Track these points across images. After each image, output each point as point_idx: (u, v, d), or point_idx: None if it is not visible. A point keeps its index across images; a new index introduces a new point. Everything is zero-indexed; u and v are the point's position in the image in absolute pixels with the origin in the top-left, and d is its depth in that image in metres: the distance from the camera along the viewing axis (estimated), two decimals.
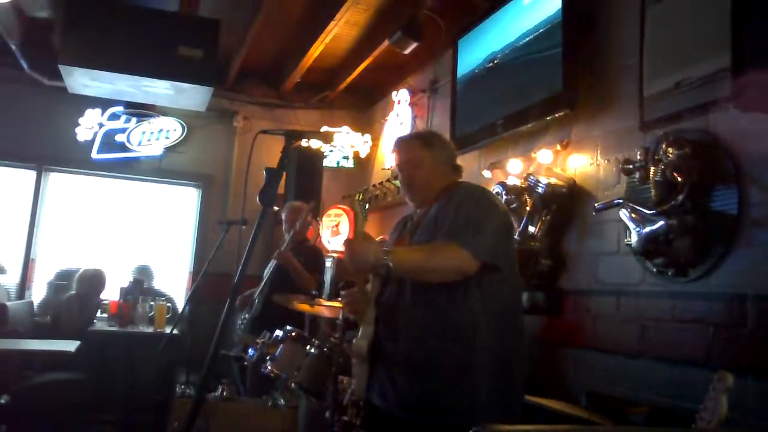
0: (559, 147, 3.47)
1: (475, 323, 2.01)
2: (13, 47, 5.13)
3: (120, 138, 6.12)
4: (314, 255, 4.40)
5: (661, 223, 2.59)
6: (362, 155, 6.35)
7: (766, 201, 2.31)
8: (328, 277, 5.37)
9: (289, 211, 4.36)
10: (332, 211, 6.20)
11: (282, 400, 3.32)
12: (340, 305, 2.65)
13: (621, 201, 2.83)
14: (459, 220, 2.04)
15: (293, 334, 3.25)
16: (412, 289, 2.10)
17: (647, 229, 2.67)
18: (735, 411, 1.87)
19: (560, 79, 3.33)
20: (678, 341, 2.59)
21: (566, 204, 3.34)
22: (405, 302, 2.11)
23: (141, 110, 6.06)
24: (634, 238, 2.77)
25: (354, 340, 2.17)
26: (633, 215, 2.76)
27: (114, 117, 6.12)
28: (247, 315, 4.30)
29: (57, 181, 6.19)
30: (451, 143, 2.45)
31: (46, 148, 5.94)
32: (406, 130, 5.48)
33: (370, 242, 2.02)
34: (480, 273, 2.01)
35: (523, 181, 3.51)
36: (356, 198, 2.07)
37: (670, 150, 2.59)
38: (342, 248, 2.00)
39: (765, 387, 2.20)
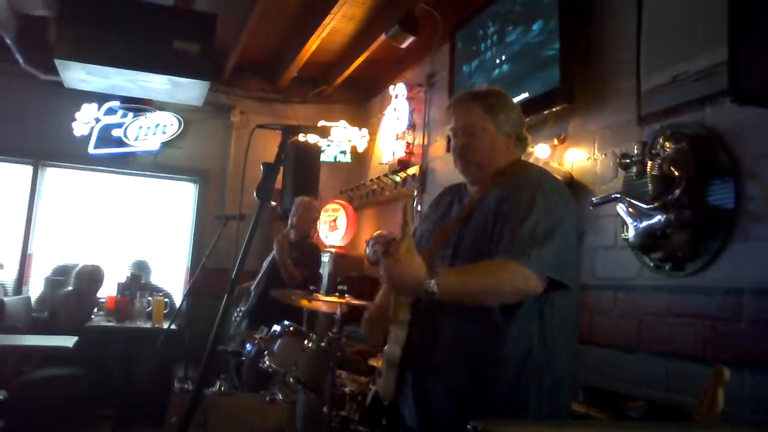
0: (556, 141, 3.47)
1: (529, 346, 1.74)
2: (9, 42, 5.10)
3: (117, 133, 6.11)
4: (311, 252, 4.41)
5: (659, 217, 2.60)
6: (360, 150, 6.36)
7: (762, 195, 2.32)
8: (325, 272, 5.38)
9: (298, 207, 4.42)
10: (330, 206, 6.21)
11: (280, 395, 3.32)
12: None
13: (618, 195, 2.83)
14: (524, 228, 1.69)
15: (291, 328, 3.25)
16: None
17: (644, 223, 2.67)
18: (731, 405, 1.88)
19: (557, 73, 3.32)
20: (675, 335, 2.60)
21: None
22: (448, 311, 1.78)
23: (137, 105, 6.05)
24: (631, 233, 2.77)
25: (386, 346, 1.90)
26: (630, 210, 2.76)
27: (110, 112, 6.11)
28: (242, 308, 4.31)
29: (54, 176, 6.18)
30: (519, 108, 2.01)
31: (43, 143, 5.92)
32: (403, 124, 5.47)
33: (414, 261, 1.62)
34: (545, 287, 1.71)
35: None
36: (408, 203, 1.64)
37: (667, 144, 2.60)
38: (383, 265, 1.65)
39: (761, 381, 2.21)
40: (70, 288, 5.46)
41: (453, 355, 1.79)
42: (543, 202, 1.73)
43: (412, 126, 5.42)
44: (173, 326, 4.66)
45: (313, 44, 5.17)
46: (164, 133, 6.27)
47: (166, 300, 5.71)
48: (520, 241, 1.68)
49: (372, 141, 6.32)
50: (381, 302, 2.05)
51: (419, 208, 1.73)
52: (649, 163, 2.67)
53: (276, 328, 3.29)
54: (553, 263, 1.68)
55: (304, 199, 4.50)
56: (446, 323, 1.81)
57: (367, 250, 4.61)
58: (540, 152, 3.48)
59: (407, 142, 5.41)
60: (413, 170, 5.19)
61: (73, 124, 5.97)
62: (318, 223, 5.13)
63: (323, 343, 3.08)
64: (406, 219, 1.63)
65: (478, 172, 1.94)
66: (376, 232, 4.87)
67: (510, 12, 3.84)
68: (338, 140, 6.33)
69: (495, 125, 1.91)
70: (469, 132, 1.92)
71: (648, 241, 2.68)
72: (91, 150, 6.03)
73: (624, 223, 2.83)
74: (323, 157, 6.16)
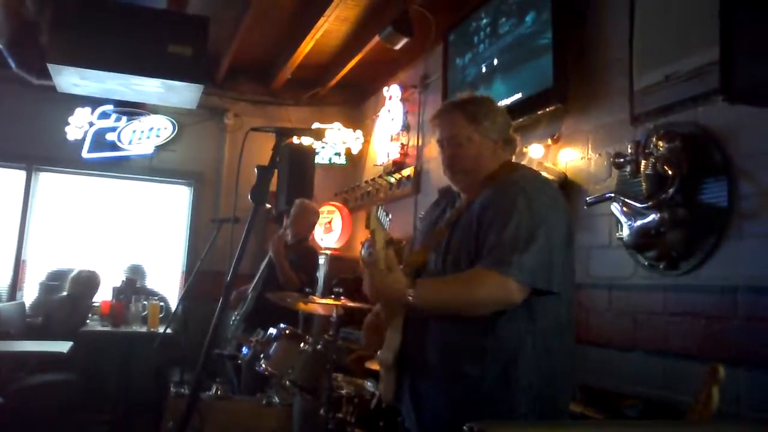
0: (550, 141, 3.48)
1: (518, 346, 1.74)
2: (0, 46, 5.08)
3: (110, 137, 6.09)
4: (308, 255, 4.40)
5: (653, 216, 2.60)
6: (354, 151, 6.36)
7: (755, 193, 2.33)
8: (321, 275, 5.38)
9: (297, 210, 4.41)
10: (325, 208, 6.20)
11: (276, 398, 3.32)
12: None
13: (612, 195, 2.83)
14: (505, 234, 1.69)
15: (287, 331, 3.25)
16: None
17: (638, 222, 2.68)
18: (727, 402, 1.89)
19: (551, 74, 3.33)
20: (670, 334, 2.61)
21: None
22: (439, 316, 1.82)
23: (131, 109, 6.02)
24: (625, 232, 2.78)
25: (380, 351, 1.94)
26: (624, 209, 2.76)
27: (104, 116, 6.09)
28: (239, 312, 4.30)
29: (47, 180, 6.15)
30: (504, 111, 2.03)
31: (36, 147, 5.90)
32: (397, 126, 5.47)
33: (393, 276, 1.67)
34: (531, 294, 1.71)
35: None
36: (374, 212, 1.66)
37: (661, 143, 2.61)
38: (364, 277, 1.71)
39: (756, 378, 2.22)
40: (64, 293, 5.44)
41: (443, 358, 1.81)
42: (525, 206, 1.73)
43: (406, 127, 5.42)
44: (169, 330, 4.67)
45: (306, 46, 5.17)
46: (158, 136, 6.25)
47: (162, 304, 5.70)
48: (501, 248, 1.68)
49: (366, 143, 6.32)
50: (380, 310, 2.05)
51: (389, 216, 1.71)
52: (643, 162, 2.68)
53: (272, 331, 3.29)
54: (534, 271, 1.67)
55: (303, 201, 4.49)
56: (436, 327, 1.83)
57: (363, 252, 4.61)
58: (534, 152, 3.49)
59: (402, 144, 5.41)
60: (408, 171, 5.20)
61: (67, 129, 5.95)
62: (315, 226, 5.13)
63: (319, 346, 3.08)
64: (374, 228, 1.65)
65: (466, 179, 1.95)
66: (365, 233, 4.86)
67: (503, 4, 3.85)
68: (333, 142, 6.33)
69: (479, 133, 1.92)
70: (454, 143, 1.93)
71: (642, 240, 2.69)
72: (84, 154, 6.01)
73: (618, 222, 2.84)
74: (318, 159, 6.14)
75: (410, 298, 1.65)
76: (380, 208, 1.68)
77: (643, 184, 2.68)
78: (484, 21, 4.04)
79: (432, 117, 2.05)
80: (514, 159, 2.05)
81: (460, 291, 1.73)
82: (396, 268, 1.71)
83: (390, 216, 1.73)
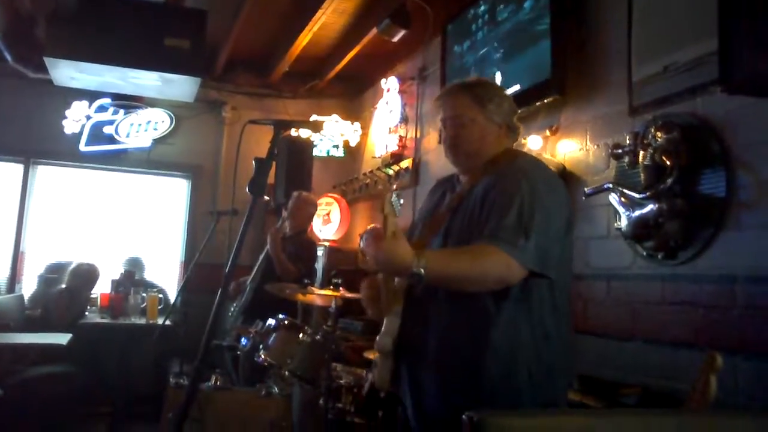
0: (548, 132, 3.48)
1: (517, 335, 1.74)
2: None
3: (108, 130, 6.08)
4: (306, 247, 4.41)
5: (651, 206, 2.61)
6: (352, 144, 6.35)
7: (753, 183, 2.33)
8: (320, 266, 5.39)
9: (295, 201, 4.42)
10: (323, 200, 6.20)
11: (276, 389, 3.33)
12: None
13: (611, 185, 2.84)
14: (509, 216, 1.69)
15: (286, 322, 3.26)
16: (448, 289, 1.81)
17: (637, 213, 2.69)
18: (725, 391, 1.90)
19: (549, 65, 3.33)
20: (668, 323, 2.62)
21: None
22: (439, 301, 1.82)
23: (129, 102, 6.02)
24: (623, 222, 2.78)
25: (378, 337, 1.91)
26: (623, 199, 2.77)
27: (101, 109, 6.08)
28: (238, 303, 4.31)
29: (45, 174, 6.14)
30: (509, 97, 2.03)
31: (34, 141, 5.89)
32: (395, 118, 5.47)
33: (400, 243, 1.66)
34: (526, 277, 1.71)
35: None
36: (389, 197, 1.69)
37: (659, 134, 2.61)
38: (367, 247, 1.75)
39: (754, 367, 2.23)
40: (63, 286, 5.44)
41: (443, 346, 1.81)
42: (528, 191, 1.74)
43: (404, 119, 5.42)
44: (168, 322, 4.67)
45: (304, 39, 5.16)
46: (156, 129, 6.23)
47: (161, 296, 5.70)
48: (505, 229, 1.68)
49: (364, 135, 6.31)
50: (381, 288, 2.05)
51: (401, 201, 1.75)
52: (641, 153, 2.69)
53: (271, 321, 3.30)
54: (536, 255, 1.68)
55: (301, 193, 4.49)
56: (436, 314, 1.83)
57: (362, 244, 4.61)
58: (532, 143, 3.49)
59: (400, 136, 5.41)
60: (406, 163, 5.20)
61: (64, 122, 5.94)
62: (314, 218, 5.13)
63: (318, 336, 3.09)
64: (387, 212, 1.67)
65: (468, 162, 1.95)
66: (370, 226, 4.87)
67: (500, 5, 3.84)
68: (331, 134, 6.32)
69: (484, 115, 1.91)
70: (458, 123, 1.92)
71: (641, 231, 2.70)
72: (82, 147, 6.00)
73: (617, 212, 2.84)
74: (316, 152, 6.14)
75: (416, 267, 1.62)
76: (395, 194, 1.69)
77: (642, 174, 2.68)
78: (482, 8, 4.03)
79: (437, 97, 2.03)
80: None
81: (467, 262, 1.70)
82: (403, 239, 1.69)
83: (402, 201, 1.75)
